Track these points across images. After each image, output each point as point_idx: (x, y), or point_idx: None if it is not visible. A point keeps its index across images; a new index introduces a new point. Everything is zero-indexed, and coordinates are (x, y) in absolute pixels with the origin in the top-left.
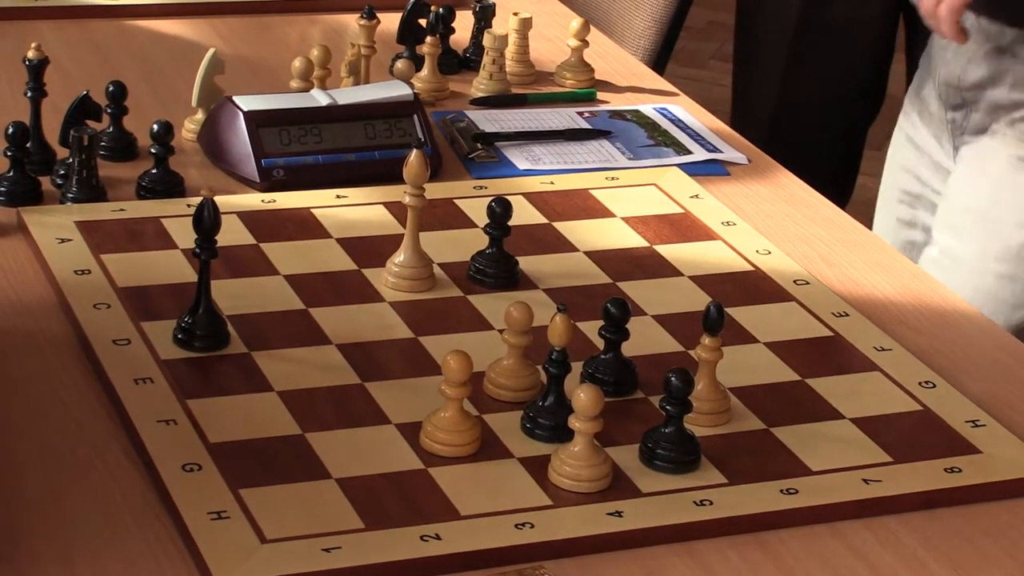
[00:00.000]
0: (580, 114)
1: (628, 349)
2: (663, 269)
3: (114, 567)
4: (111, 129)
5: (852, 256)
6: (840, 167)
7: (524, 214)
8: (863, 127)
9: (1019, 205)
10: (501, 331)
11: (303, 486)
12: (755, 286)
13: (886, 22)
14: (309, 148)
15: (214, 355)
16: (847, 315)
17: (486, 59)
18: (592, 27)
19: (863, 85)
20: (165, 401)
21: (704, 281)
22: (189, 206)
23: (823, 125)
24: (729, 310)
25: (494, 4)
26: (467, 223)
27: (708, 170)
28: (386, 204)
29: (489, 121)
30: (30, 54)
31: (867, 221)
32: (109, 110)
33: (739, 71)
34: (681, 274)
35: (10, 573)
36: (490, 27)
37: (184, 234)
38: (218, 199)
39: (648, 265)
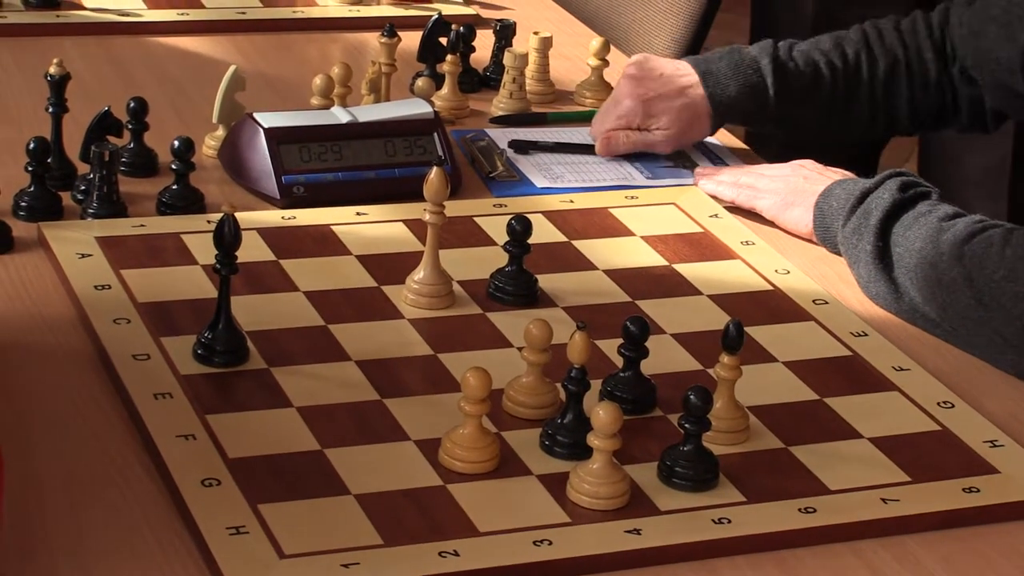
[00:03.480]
0: None
1: (647, 367)
2: (682, 288)
3: None
4: (132, 145)
5: None
6: None
7: (543, 232)
8: (878, 146)
9: None
10: (520, 349)
11: (322, 502)
12: (774, 305)
13: None
14: (329, 165)
15: (234, 371)
16: (866, 335)
17: (506, 78)
18: (612, 47)
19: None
20: (184, 416)
21: (723, 300)
22: (209, 222)
23: (836, 146)
24: (748, 329)
25: (514, 23)
26: (487, 241)
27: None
28: (406, 221)
29: (509, 139)
30: (52, 70)
31: None
32: (130, 126)
33: None
34: (700, 293)
35: None
36: (510, 46)
37: (204, 250)
38: (238, 215)
39: (667, 284)
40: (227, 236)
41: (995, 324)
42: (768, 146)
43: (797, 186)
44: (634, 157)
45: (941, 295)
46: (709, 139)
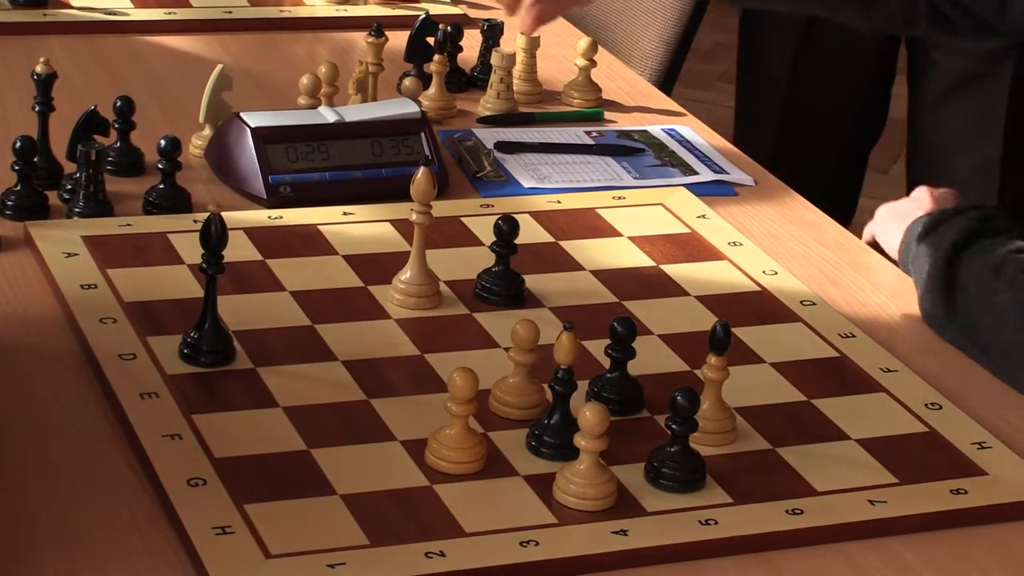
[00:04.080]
0: (588, 133)
1: (634, 368)
2: (669, 289)
3: None
4: (118, 144)
5: (859, 277)
6: (841, 188)
7: (531, 232)
8: (865, 148)
9: None
10: (507, 349)
11: (308, 502)
12: (761, 306)
13: (886, 44)
14: (316, 165)
15: (220, 370)
16: (853, 336)
17: (494, 78)
18: (599, 47)
19: (864, 106)
20: (170, 416)
21: (710, 301)
22: (196, 222)
23: (824, 145)
24: (735, 330)
25: (502, 23)
26: (474, 241)
27: (715, 191)
28: (393, 221)
29: (496, 140)
30: (38, 68)
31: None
32: (117, 125)
33: (741, 93)
34: (687, 294)
35: None
36: (498, 46)
37: (191, 250)
38: (225, 215)
39: (654, 284)
40: (213, 236)
41: None
42: (752, 148)
43: (905, 210)
44: (621, 157)
45: (991, 319)
46: (694, 136)
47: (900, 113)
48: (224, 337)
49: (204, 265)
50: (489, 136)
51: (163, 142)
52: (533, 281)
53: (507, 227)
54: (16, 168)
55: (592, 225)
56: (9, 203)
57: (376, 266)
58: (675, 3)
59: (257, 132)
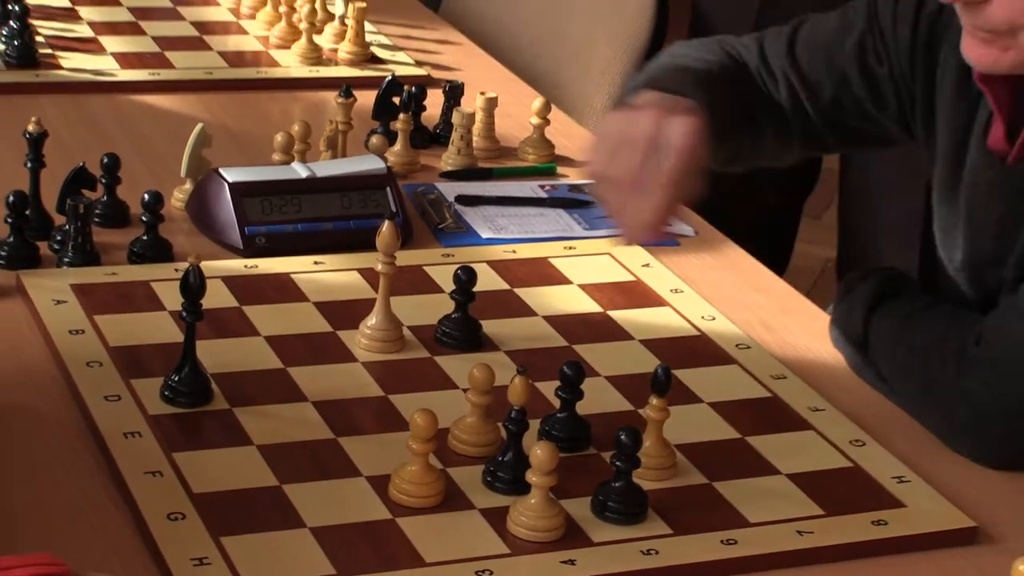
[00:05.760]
0: (542, 187)
1: (582, 408)
2: (615, 333)
3: None
4: (105, 198)
5: (790, 322)
6: (778, 238)
7: (488, 280)
8: (800, 201)
9: None
10: (465, 391)
11: (280, 534)
12: (700, 350)
13: None
14: (289, 217)
15: (199, 411)
16: (784, 377)
17: (455, 135)
18: (553, 106)
19: (798, 162)
20: (152, 454)
21: (653, 345)
22: (177, 271)
23: (760, 199)
24: (676, 372)
25: (462, 84)
26: (435, 288)
27: (659, 241)
28: (360, 270)
29: (457, 193)
30: (30, 127)
31: (804, 288)
32: (103, 180)
33: None
34: (632, 338)
35: None
36: (459, 105)
37: (172, 297)
38: (203, 264)
39: (602, 329)
40: (192, 285)
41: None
42: (700, 200)
43: None
44: (572, 209)
45: (895, 366)
46: None
47: (832, 164)
48: (203, 379)
49: (184, 312)
50: (450, 190)
51: (147, 196)
52: (490, 326)
53: (465, 276)
54: (9, 221)
55: (545, 273)
56: (3, 253)
57: (345, 312)
58: (625, 64)
59: (234, 187)
